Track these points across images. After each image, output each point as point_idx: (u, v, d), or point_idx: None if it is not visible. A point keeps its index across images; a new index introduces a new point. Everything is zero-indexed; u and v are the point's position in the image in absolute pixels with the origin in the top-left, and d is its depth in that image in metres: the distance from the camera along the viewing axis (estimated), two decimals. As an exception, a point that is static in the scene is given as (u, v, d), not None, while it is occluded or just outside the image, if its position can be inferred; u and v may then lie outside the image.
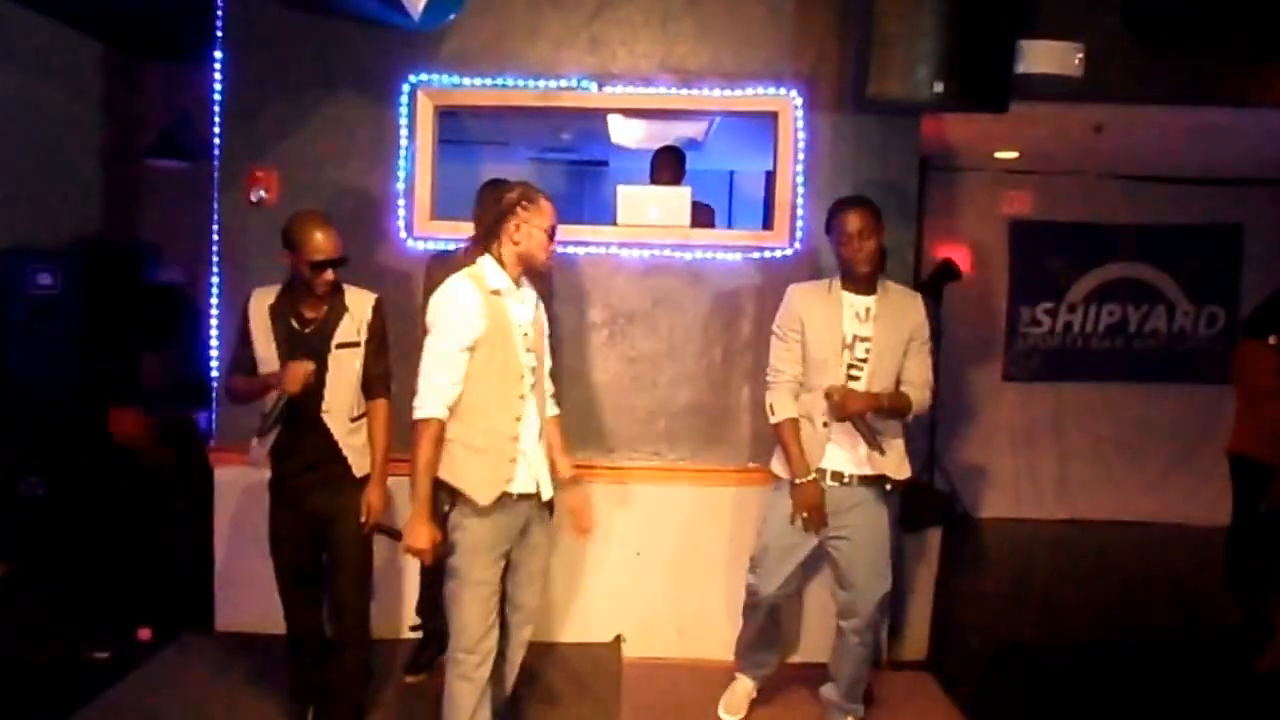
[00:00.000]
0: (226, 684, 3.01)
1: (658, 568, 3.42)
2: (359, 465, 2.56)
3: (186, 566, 3.55)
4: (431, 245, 3.31)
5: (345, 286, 2.59)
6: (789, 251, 3.35)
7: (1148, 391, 5.70)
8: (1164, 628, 4.09)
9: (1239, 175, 5.42)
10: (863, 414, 2.57)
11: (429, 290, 2.93)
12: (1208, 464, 4.35)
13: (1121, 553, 5.26)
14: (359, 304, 2.58)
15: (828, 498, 2.66)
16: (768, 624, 2.89)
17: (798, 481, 2.64)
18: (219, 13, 3.33)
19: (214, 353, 3.37)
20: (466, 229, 3.20)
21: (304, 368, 2.42)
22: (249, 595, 3.24)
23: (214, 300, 3.37)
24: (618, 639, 3.43)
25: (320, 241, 2.46)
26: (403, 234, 3.35)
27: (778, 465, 2.75)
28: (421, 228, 3.34)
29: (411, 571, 3.29)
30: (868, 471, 2.66)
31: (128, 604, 3.52)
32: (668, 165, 3.94)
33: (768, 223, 3.43)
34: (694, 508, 3.40)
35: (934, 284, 5.33)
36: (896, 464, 2.67)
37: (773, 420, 2.71)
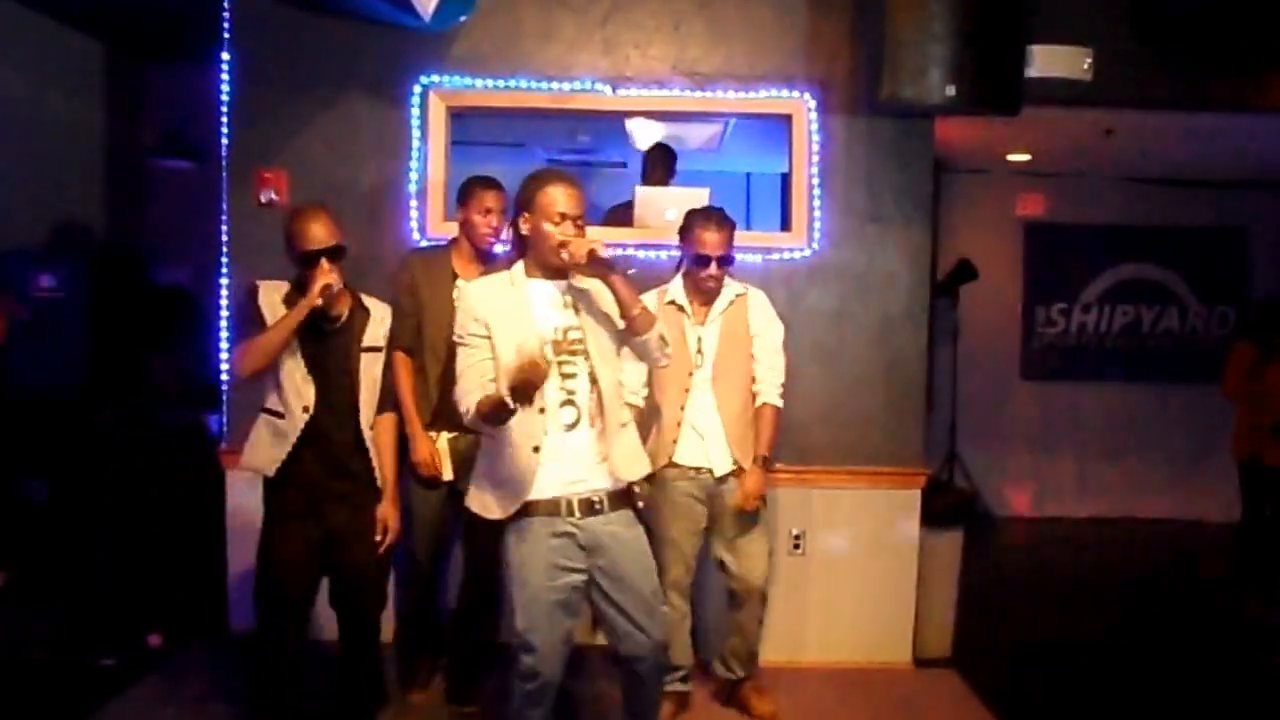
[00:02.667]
0: (238, 690, 2.98)
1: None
2: (381, 477, 2.51)
3: (197, 571, 3.52)
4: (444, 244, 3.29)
5: (361, 294, 2.56)
6: (806, 252, 3.34)
7: (1162, 390, 5.76)
8: (1184, 623, 4.10)
9: (1245, 178, 5.44)
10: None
11: (402, 283, 2.86)
12: (1223, 461, 4.41)
13: (1140, 549, 5.31)
14: (379, 310, 2.55)
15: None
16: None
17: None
18: (226, 13, 3.30)
19: (224, 355, 3.35)
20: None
21: (330, 275, 2.31)
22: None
23: (223, 302, 3.35)
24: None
25: (315, 230, 2.36)
26: (415, 236, 3.33)
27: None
28: (435, 229, 3.31)
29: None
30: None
31: (137, 610, 3.50)
32: (658, 163, 3.93)
33: (785, 224, 3.41)
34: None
35: (951, 284, 5.35)
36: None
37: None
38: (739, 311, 2.81)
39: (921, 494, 3.36)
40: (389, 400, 2.56)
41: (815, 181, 3.31)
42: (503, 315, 2.13)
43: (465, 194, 2.88)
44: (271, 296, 2.45)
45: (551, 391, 2.11)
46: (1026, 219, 5.70)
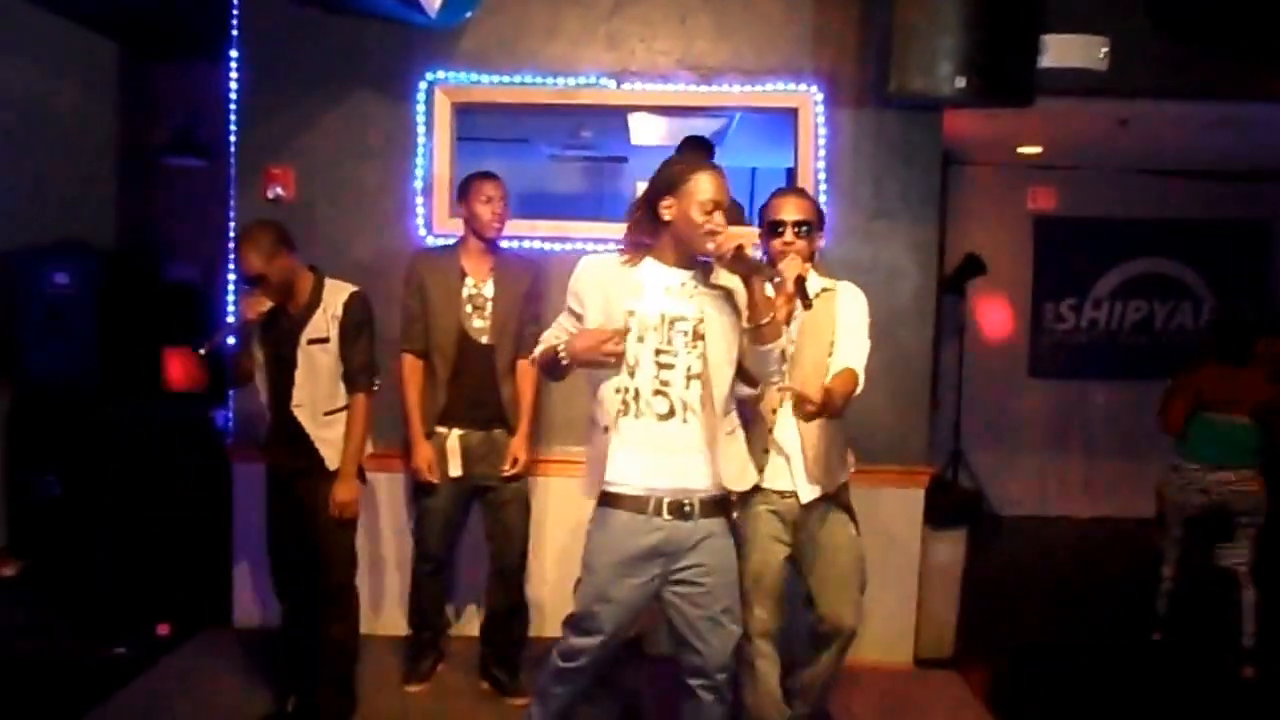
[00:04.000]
0: (245, 679, 3.01)
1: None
2: (331, 458, 2.58)
3: (205, 562, 3.55)
4: (450, 243, 3.29)
5: (328, 280, 2.61)
6: (811, 247, 3.31)
7: (1176, 389, 5.66)
8: (1192, 625, 4.04)
9: (1266, 170, 5.34)
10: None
11: (409, 284, 2.90)
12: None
13: (1148, 551, 5.20)
14: (333, 299, 2.58)
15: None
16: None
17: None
18: (234, 11, 3.32)
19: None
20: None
21: (259, 303, 2.50)
22: (267, 590, 3.22)
23: (230, 299, 3.37)
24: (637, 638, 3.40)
25: (246, 259, 2.49)
26: (421, 232, 3.34)
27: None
28: (440, 225, 3.32)
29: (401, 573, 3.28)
30: None
31: (146, 600, 3.53)
32: (693, 155, 3.83)
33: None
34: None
35: (958, 279, 5.29)
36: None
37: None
38: (825, 306, 2.38)
39: (925, 493, 3.33)
40: (361, 381, 2.61)
41: (821, 176, 3.28)
42: (604, 294, 2.07)
43: (465, 189, 2.90)
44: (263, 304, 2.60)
45: (645, 379, 2.04)
46: (1037, 213, 5.62)
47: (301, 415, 2.56)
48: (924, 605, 3.36)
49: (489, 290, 2.88)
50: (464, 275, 2.88)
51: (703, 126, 4.54)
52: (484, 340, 2.87)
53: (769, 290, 2.08)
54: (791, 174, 3.41)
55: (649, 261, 2.10)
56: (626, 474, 2.04)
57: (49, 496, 4.07)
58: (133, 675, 3.04)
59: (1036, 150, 5.16)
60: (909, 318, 3.31)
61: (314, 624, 2.64)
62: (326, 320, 2.56)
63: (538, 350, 2.20)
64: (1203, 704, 3.28)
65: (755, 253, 2.03)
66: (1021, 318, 5.71)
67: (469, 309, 2.87)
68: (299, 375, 2.55)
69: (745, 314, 2.06)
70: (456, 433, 2.85)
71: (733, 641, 2.11)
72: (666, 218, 2.04)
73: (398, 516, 3.39)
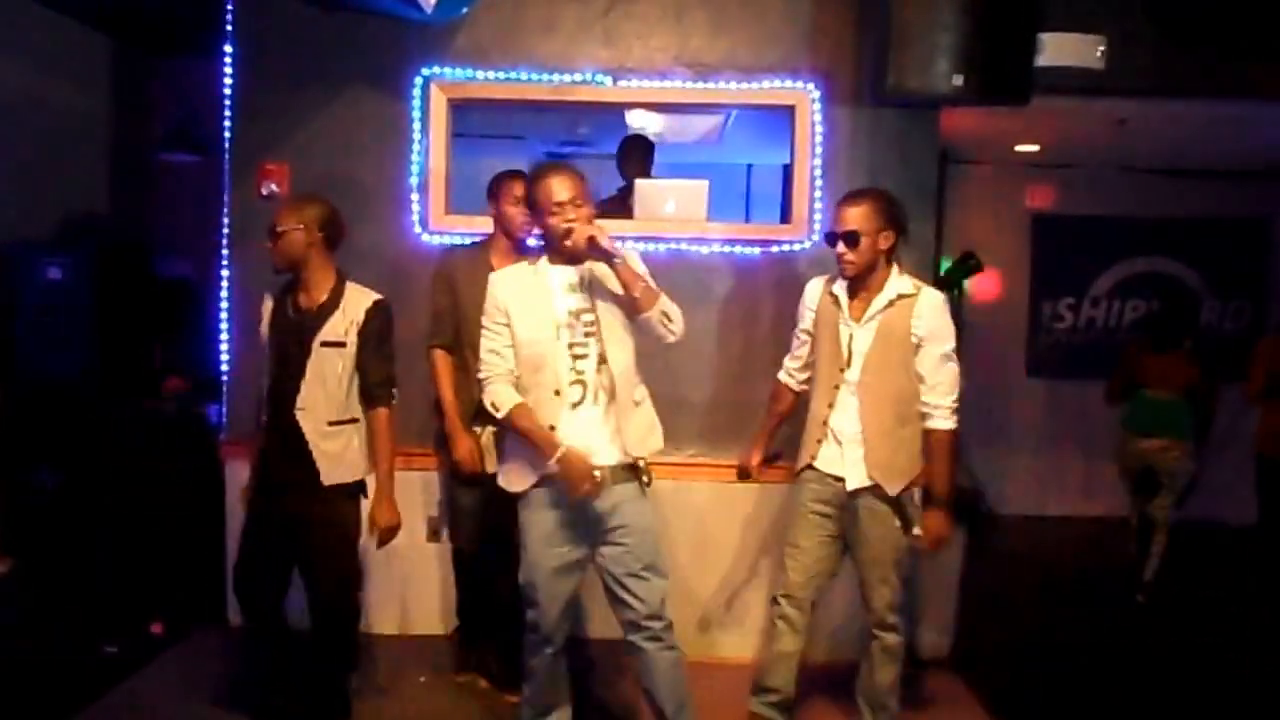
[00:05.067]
0: (238, 678, 3.00)
1: (677, 565, 3.38)
2: (329, 473, 2.43)
3: (198, 561, 3.54)
4: (447, 240, 3.28)
5: (349, 283, 2.52)
6: (807, 245, 3.30)
7: (1174, 388, 5.64)
8: (1190, 624, 4.05)
9: (1265, 168, 5.33)
10: None
11: (439, 281, 2.92)
12: (1235, 460, 4.33)
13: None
14: (355, 303, 2.48)
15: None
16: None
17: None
18: (229, 7, 3.30)
19: (224, 346, 3.36)
20: (481, 223, 3.21)
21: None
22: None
23: (224, 294, 3.36)
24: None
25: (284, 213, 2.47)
26: (417, 228, 3.32)
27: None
28: (436, 222, 3.31)
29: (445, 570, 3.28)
30: None
31: (139, 598, 3.53)
32: (636, 155, 3.82)
33: (785, 217, 3.38)
34: (712, 503, 3.37)
35: (955, 277, 5.28)
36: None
37: None
38: (902, 313, 2.46)
39: (922, 492, 3.31)
40: (381, 394, 2.52)
41: (818, 174, 3.27)
42: (522, 301, 2.29)
43: (496, 188, 2.91)
44: (272, 293, 2.55)
45: (564, 372, 2.26)
46: (1035, 211, 5.61)
47: (304, 421, 2.41)
48: (922, 604, 3.35)
49: None
50: (493, 272, 2.89)
51: (699, 123, 4.53)
52: None
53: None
54: (788, 172, 3.40)
55: (547, 265, 2.33)
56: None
57: (41, 493, 4.05)
58: (125, 674, 3.03)
59: (1034, 149, 5.15)
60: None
61: (283, 628, 2.58)
62: (345, 324, 2.45)
63: (502, 408, 2.28)
64: (1201, 703, 3.27)
65: (605, 239, 2.21)
66: (1019, 316, 5.71)
67: None
68: (308, 377, 2.40)
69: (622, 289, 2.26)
70: (490, 430, 2.85)
71: (659, 593, 2.32)
72: (538, 227, 2.33)
73: (425, 514, 3.38)
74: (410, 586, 3.43)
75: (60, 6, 4.28)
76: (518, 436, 2.31)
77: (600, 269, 2.28)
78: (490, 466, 2.86)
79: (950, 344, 2.50)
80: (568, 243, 2.22)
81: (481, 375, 2.34)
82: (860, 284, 2.50)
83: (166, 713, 2.83)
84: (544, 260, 2.33)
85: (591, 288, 2.29)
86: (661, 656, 2.32)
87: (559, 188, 2.23)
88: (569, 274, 2.30)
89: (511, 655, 3.00)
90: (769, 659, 2.65)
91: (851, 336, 2.50)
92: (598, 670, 3.15)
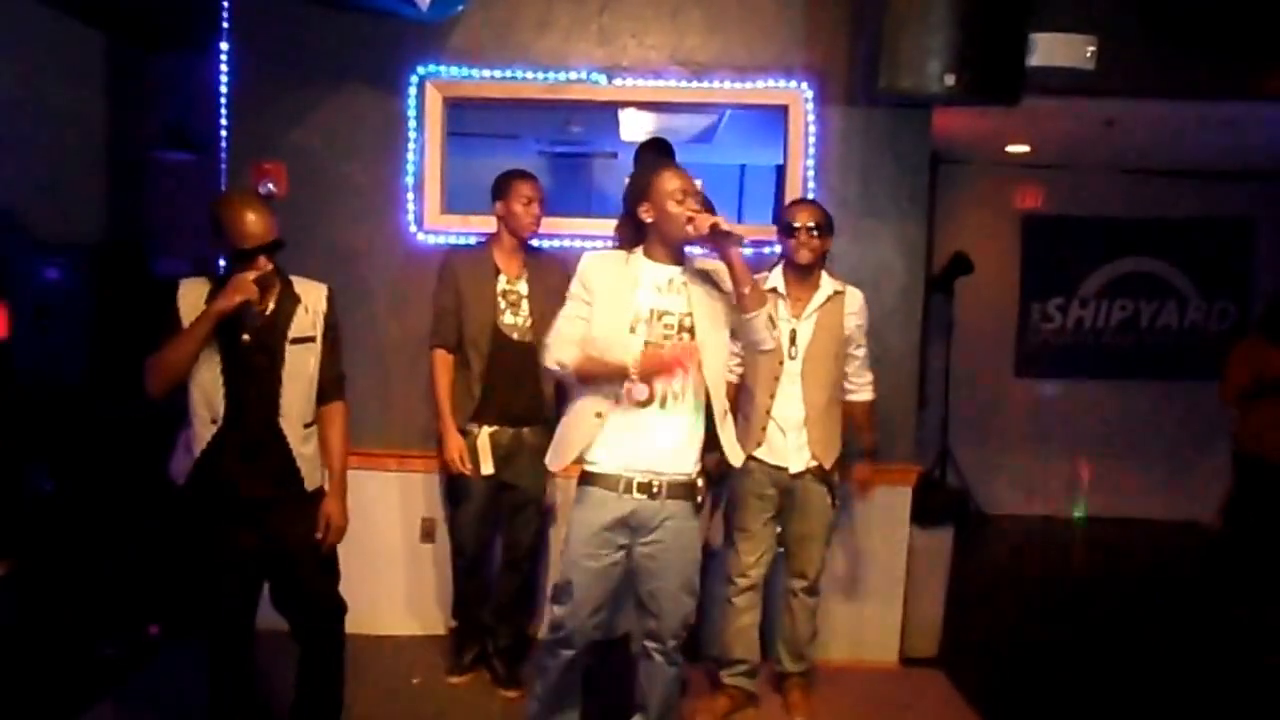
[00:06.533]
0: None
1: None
2: (310, 478, 2.30)
3: (195, 562, 3.53)
4: (442, 239, 3.29)
5: (293, 277, 2.34)
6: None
7: (1160, 387, 5.69)
8: (1176, 624, 4.08)
9: (1251, 169, 5.39)
10: None
11: (443, 281, 2.94)
12: (1221, 460, 4.38)
13: (1134, 550, 5.26)
14: (312, 295, 2.33)
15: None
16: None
17: None
18: (225, 4, 3.31)
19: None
20: (476, 222, 3.23)
21: (247, 287, 2.12)
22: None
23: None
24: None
25: (252, 224, 2.14)
26: (412, 227, 3.33)
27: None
28: (432, 221, 3.32)
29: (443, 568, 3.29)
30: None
31: (137, 601, 3.52)
32: (654, 157, 3.82)
33: (778, 216, 3.40)
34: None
35: (946, 278, 5.31)
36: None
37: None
38: (836, 308, 2.82)
39: (912, 491, 3.35)
40: (341, 387, 2.40)
41: (811, 174, 3.30)
42: (609, 287, 2.26)
43: (504, 187, 2.93)
44: (191, 297, 2.23)
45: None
46: (1024, 212, 5.65)
47: (288, 428, 2.24)
48: (910, 603, 3.37)
49: (523, 287, 2.94)
50: (498, 272, 2.93)
51: (693, 123, 4.55)
52: (515, 337, 2.91)
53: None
54: (781, 171, 3.42)
55: (642, 259, 2.29)
56: (604, 457, 2.24)
57: (37, 494, 4.04)
58: (123, 676, 3.03)
59: (1024, 149, 5.19)
60: (897, 316, 3.33)
61: (252, 642, 2.42)
62: (311, 319, 2.30)
63: (568, 364, 2.22)
64: (1198, 703, 3.30)
65: (728, 226, 2.20)
66: (1008, 317, 5.74)
67: (503, 305, 2.92)
68: (285, 380, 2.23)
69: (730, 289, 2.24)
70: (487, 430, 2.88)
71: (687, 613, 2.32)
72: (648, 220, 2.25)
73: (419, 515, 3.39)
74: (405, 587, 3.44)
75: (55, 3, 4.27)
76: (567, 416, 2.30)
77: (710, 267, 2.28)
78: (486, 469, 2.89)
79: (865, 331, 2.90)
80: (689, 229, 2.17)
81: (548, 339, 2.29)
82: (804, 280, 2.82)
83: (163, 716, 2.82)
84: (639, 254, 2.29)
85: (688, 290, 2.26)
86: (666, 670, 2.36)
87: (680, 178, 2.23)
88: (664, 272, 2.26)
89: (513, 653, 3.04)
90: (732, 635, 2.91)
91: (795, 330, 2.79)
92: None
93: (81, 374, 4.15)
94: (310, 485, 2.32)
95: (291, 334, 2.28)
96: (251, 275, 2.17)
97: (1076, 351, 5.74)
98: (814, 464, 2.78)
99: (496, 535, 3.11)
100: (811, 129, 3.29)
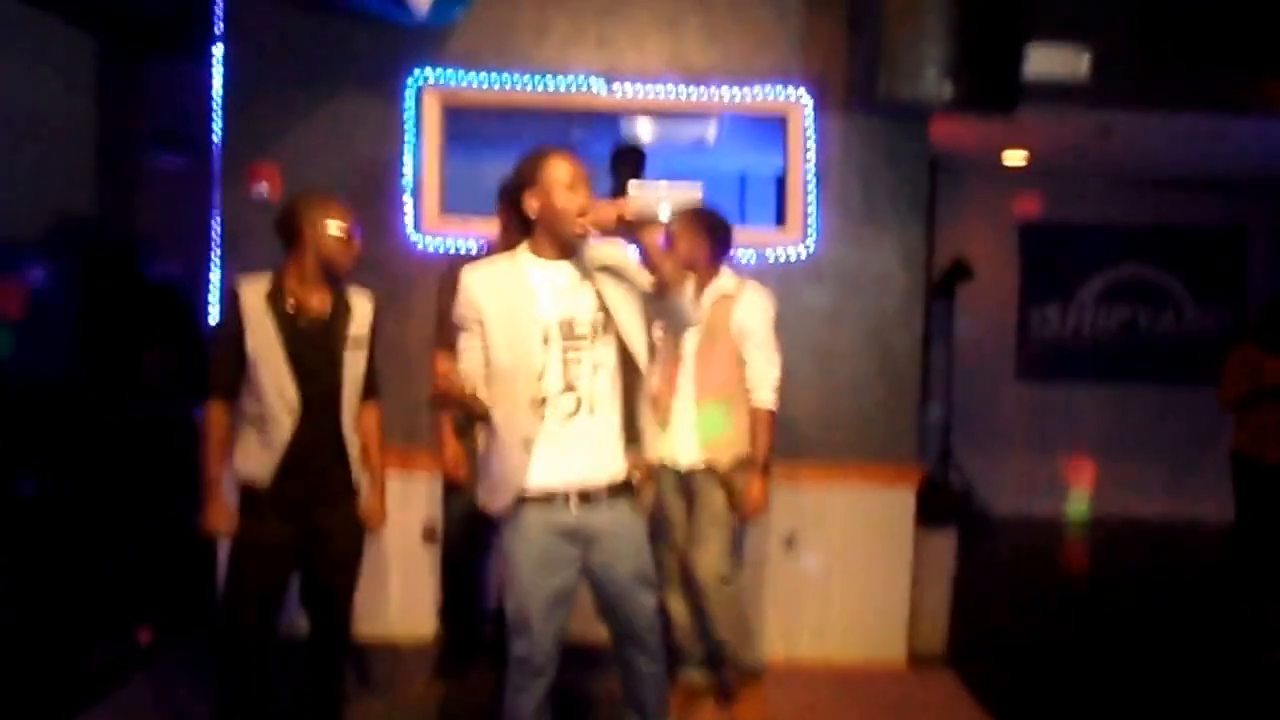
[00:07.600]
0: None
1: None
2: (358, 477, 2.42)
3: (185, 566, 3.51)
4: (440, 243, 3.28)
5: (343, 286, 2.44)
6: (802, 251, 3.33)
7: (1158, 391, 5.77)
8: (1177, 623, 4.10)
9: (1243, 178, 5.45)
10: None
11: (447, 284, 2.89)
12: (1219, 462, 4.43)
13: (1134, 550, 5.31)
14: (362, 301, 2.43)
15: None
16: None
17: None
18: (220, 8, 3.29)
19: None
20: (474, 226, 3.21)
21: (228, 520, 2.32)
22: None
23: (213, 297, 3.33)
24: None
25: (341, 211, 2.34)
26: (410, 232, 3.32)
27: None
28: (430, 226, 3.30)
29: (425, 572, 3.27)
30: None
31: (125, 604, 3.48)
32: (628, 167, 3.81)
33: (780, 223, 3.40)
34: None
35: (946, 284, 5.34)
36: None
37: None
38: (724, 307, 2.78)
39: (916, 493, 3.35)
40: (374, 390, 2.48)
41: (810, 181, 3.30)
42: (501, 303, 2.00)
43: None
44: (252, 299, 2.29)
45: (553, 380, 2.00)
46: (1023, 219, 5.70)
47: (348, 430, 2.35)
48: (916, 604, 3.39)
49: None
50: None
51: (691, 131, 4.54)
52: None
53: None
54: (781, 178, 3.42)
55: (528, 259, 2.04)
56: (539, 478, 2.03)
57: (26, 496, 4.00)
58: (112, 682, 2.99)
59: (1022, 158, 5.22)
60: (898, 321, 3.33)
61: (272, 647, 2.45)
62: (364, 322, 2.41)
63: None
64: (1201, 702, 3.30)
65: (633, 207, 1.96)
66: (1009, 322, 5.80)
67: None
68: (346, 384, 2.34)
69: (641, 278, 2.04)
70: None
71: (652, 607, 2.16)
72: (532, 212, 2.00)
73: (421, 517, 3.37)
74: (407, 590, 3.40)
75: (48, 7, 4.25)
76: (490, 453, 2.06)
77: (608, 259, 2.05)
78: None
79: (766, 333, 2.78)
80: (587, 221, 1.94)
81: (462, 375, 2.08)
82: (698, 280, 2.73)
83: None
84: (523, 252, 2.04)
85: (594, 285, 2.02)
86: (652, 673, 2.20)
87: (567, 162, 1.97)
88: (559, 271, 2.02)
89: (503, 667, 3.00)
90: (678, 637, 2.89)
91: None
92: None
93: (71, 376, 4.12)
94: (358, 484, 2.42)
95: (351, 337, 2.38)
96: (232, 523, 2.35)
97: (1076, 356, 5.80)
98: (704, 463, 2.75)
99: (492, 541, 3.08)
100: (811, 136, 3.29)
